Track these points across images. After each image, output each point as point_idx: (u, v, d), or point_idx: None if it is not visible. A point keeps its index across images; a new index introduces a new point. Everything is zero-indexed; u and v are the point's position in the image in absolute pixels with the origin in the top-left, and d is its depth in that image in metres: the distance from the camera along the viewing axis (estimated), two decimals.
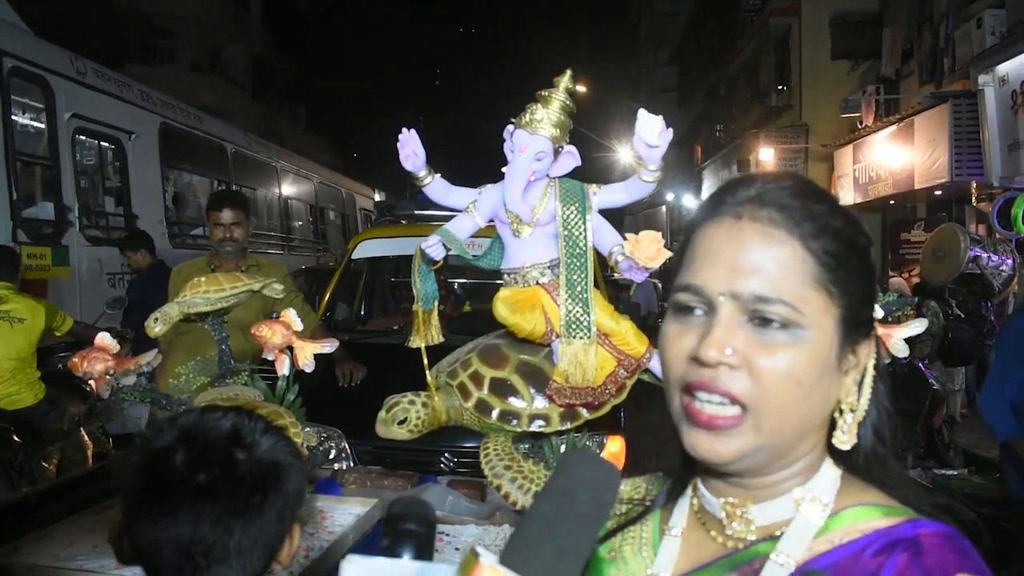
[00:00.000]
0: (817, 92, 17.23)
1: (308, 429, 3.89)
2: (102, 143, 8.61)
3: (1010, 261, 7.60)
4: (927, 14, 13.62)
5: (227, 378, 2.71)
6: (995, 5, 11.09)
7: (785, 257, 0.84)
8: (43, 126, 7.48)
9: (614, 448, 3.57)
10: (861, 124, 14.72)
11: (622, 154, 25.74)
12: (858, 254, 0.89)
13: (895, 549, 0.80)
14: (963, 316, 7.69)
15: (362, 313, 6.25)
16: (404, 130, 2.29)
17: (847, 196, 15.24)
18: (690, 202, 27.28)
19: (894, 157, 13.11)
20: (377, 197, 20.00)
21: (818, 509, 0.87)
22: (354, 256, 5.76)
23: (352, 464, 3.72)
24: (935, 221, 14.31)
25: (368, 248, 5.78)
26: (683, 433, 0.87)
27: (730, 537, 0.90)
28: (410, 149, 2.29)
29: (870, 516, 0.85)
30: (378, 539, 0.95)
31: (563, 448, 2.38)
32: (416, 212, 6.17)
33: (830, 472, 0.90)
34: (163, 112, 9.44)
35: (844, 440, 0.88)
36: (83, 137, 8.10)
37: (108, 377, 2.45)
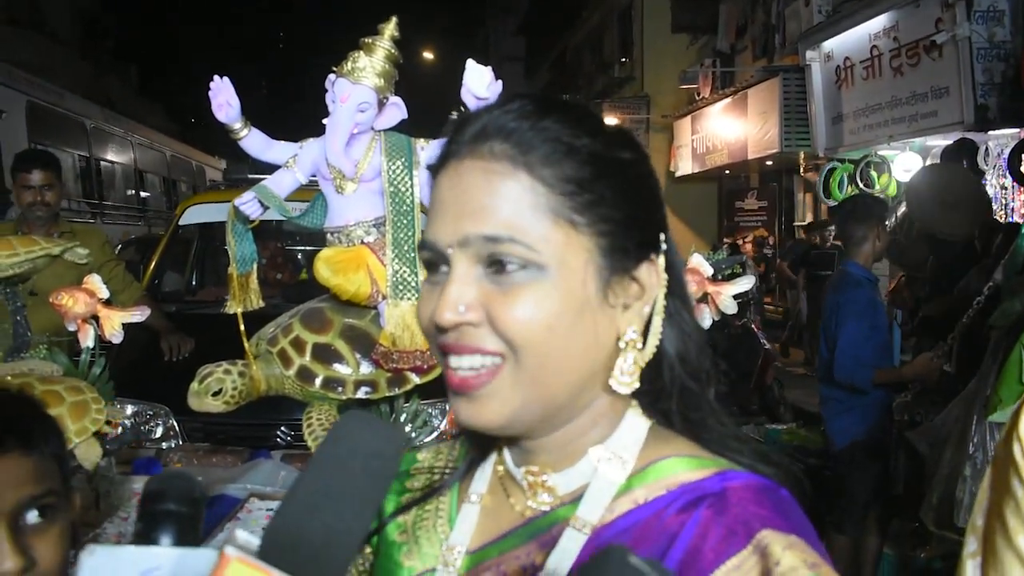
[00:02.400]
0: (658, 64, 17.69)
1: (129, 405, 3.66)
2: None
3: None
4: None
5: (23, 351, 2.46)
6: None
7: (512, 192, 0.74)
8: None
9: None
10: (699, 96, 15.26)
11: None
12: (615, 173, 0.78)
13: (699, 505, 0.73)
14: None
15: (192, 283, 5.91)
16: (216, 78, 2.12)
17: (686, 165, 15.83)
18: None
19: (729, 128, 13.67)
20: (223, 166, 19.23)
21: (618, 467, 0.79)
22: (182, 222, 5.38)
23: (180, 442, 3.52)
24: (767, 190, 15.09)
25: (197, 214, 5.40)
26: (450, 401, 0.79)
27: (529, 506, 0.83)
28: (223, 98, 2.13)
29: (677, 469, 0.78)
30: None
31: (394, 418, 2.29)
32: (250, 176, 5.85)
33: (634, 423, 0.82)
34: (29, 91, 10.00)
35: (623, 383, 0.78)
36: None
37: None
